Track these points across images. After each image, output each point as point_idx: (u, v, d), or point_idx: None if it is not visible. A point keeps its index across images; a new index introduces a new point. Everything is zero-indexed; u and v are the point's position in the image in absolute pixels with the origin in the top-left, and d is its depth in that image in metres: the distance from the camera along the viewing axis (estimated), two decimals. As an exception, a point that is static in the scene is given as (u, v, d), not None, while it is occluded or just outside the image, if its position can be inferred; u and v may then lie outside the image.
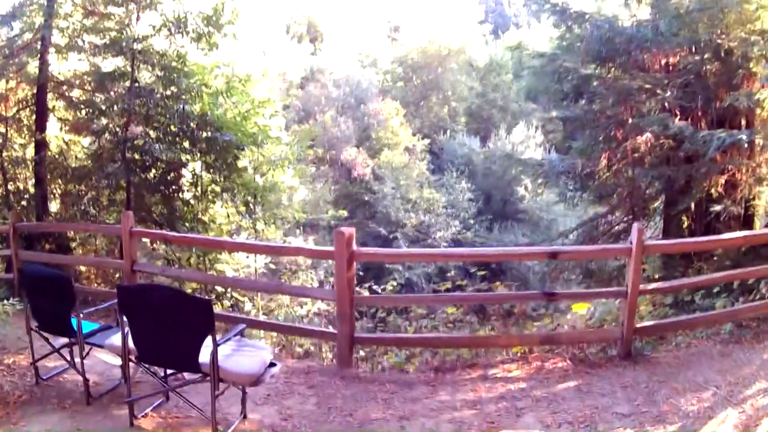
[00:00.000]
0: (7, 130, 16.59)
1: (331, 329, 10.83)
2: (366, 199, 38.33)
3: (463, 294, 11.41)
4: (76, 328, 7.08)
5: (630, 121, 13.07)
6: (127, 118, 15.46)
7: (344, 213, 24.94)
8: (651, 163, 13.40)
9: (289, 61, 46.99)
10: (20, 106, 16.62)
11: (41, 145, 15.89)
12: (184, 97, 15.43)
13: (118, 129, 15.63)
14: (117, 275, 14.60)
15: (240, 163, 16.62)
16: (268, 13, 45.33)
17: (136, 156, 15.68)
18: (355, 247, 8.59)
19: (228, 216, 17.69)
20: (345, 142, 40.62)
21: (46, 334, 7.56)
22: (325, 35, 53.70)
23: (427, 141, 43.52)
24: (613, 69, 13.83)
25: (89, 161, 16.54)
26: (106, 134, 15.71)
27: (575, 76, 14.11)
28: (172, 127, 15.52)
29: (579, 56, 13.84)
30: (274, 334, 12.07)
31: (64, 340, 7.51)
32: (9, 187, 16.68)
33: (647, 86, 12.89)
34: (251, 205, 17.21)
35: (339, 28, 52.48)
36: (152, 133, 15.85)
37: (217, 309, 15.00)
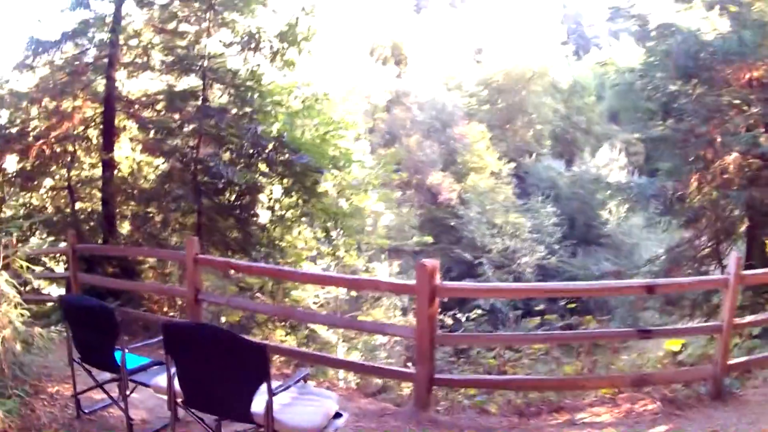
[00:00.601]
0: (75, 149, 15.91)
1: (410, 368, 10.22)
2: (451, 224, 37.59)
3: (552, 333, 10.04)
4: (120, 363, 6.32)
5: (719, 139, 12.29)
6: (197, 138, 14.60)
7: (429, 239, 23.71)
8: (739, 184, 12.41)
9: (374, 84, 46.19)
10: (87, 125, 15.75)
11: (108, 165, 15.21)
12: (257, 117, 14.54)
13: (188, 150, 14.77)
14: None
15: (320, 187, 15.53)
16: (351, 35, 44.89)
17: (206, 179, 14.57)
18: (438, 281, 7.60)
19: (306, 242, 16.62)
20: (430, 166, 40.06)
21: (88, 367, 6.77)
22: (409, 58, 52.84)
23: (512, 165, 42.49)
24: (697, 85, 12.95)
25: (158, 183, 15.63)
26: (176, 155, 14.84)
27: (663, 92, 13.41)
28: (247, 149, 14.55)
29: (666, 71, 13.13)
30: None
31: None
32: (76, 206, 16.01)
33: (735, 102, 12.30)
34: (331, 231, 16.13)
35: (423, 50, 51.65)
36: (225, 155, 14.80)
37: (289, 341, 13.99)
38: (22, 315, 7.32)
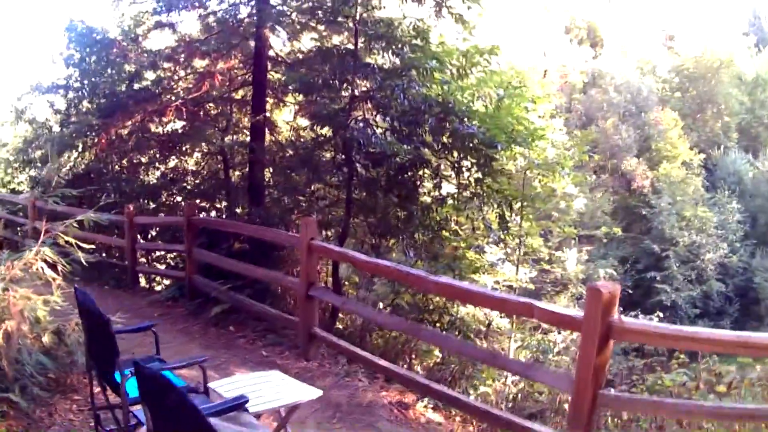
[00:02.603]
0: (231, 111, 14.76)
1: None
2: (643, 212, 35.28)
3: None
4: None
5: None
6: (349, 100, 11.51)
7: (618, 231, 20.26)
8: None
9: (571, 63, 44.53)
10: (238, 86, 14.63)
11: (258, 129, 13.32)
12: (417, 77, 11.23)
13: (339, 113, 11.53)
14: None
15: (498, 164, 12.10)
16: (547, 13, 44.40)
17: (359, 147, 11.23)
18: (617, 315, 5.13)
19: (473, 228, 13.07)
20: (626, 151, 37.86)
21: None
22: (605, 40, 50.13)
23: (702, 156, 39.43)
24: None
25: (307, 150, 12.93)
26: (325, 116, 11.73)
27: None
28: (408, 115, 11.24)
29: None
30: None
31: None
32: (230, 174, 14.78)
33: None
34: (506, 216, 12.43)
35: (618, 33, 49.05)
36: (381, 122, 11.73)
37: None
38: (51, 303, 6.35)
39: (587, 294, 5.16)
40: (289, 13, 12.79)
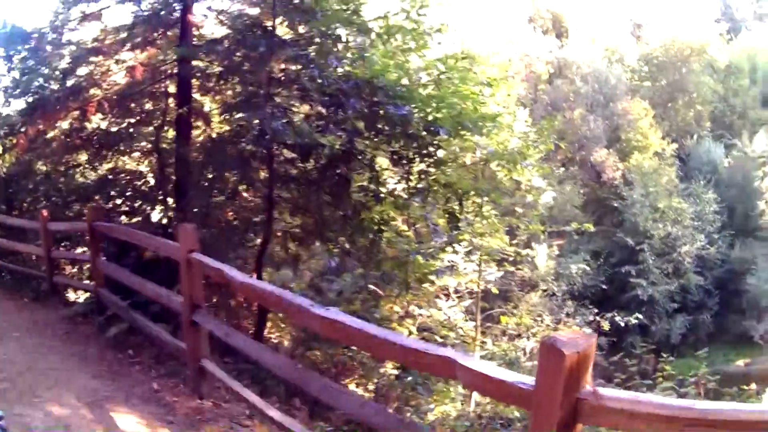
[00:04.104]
0: (166, 106, 13.18)
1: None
2: (614, 205, 34.99)
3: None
4: None
5: None
6: (267, 83, 9.87)
7: (590, 227, 19.13)
8: None
9: (535, 52, 43.85)
10: (162, 78, 13.05)
11: (184, 123, 11.99)
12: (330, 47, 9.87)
13: (256, 99, 10.00)
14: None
15: (449, 155, 10.98)
16: (510, 2, 43.58)
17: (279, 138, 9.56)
18: (588, 387, 3.13)
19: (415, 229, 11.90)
20: (595, 142, 37.41)
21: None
22: (570, 30, 49.17)
23: (674, 146, 38.85)
24: None
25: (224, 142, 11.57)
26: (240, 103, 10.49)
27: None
28: (334, 99, 9.59)
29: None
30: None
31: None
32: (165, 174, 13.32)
33: None
34: (457, 213, 10.96)
35: (584, 23, 48.06)
36: (302, 107, 10.31)
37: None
38: None
39: (541, 354, 3.23)
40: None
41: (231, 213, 11.54)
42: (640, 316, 19.21)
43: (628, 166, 35.75)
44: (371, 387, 10.33)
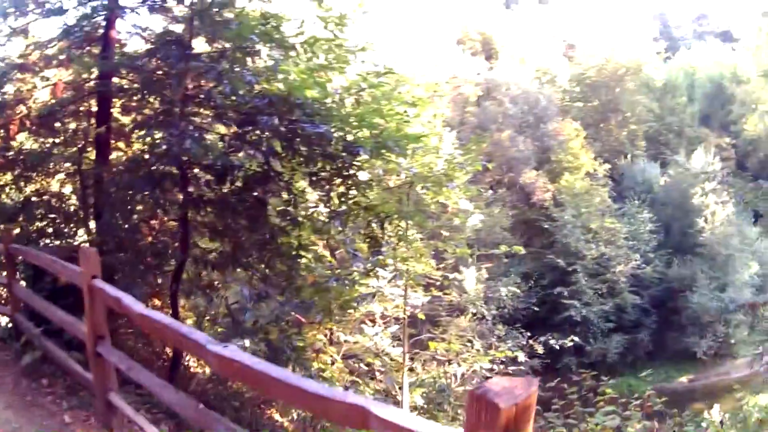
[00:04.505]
0: (89, 125, 12.30)
1: None
2: (545, 226, 35.00)
3: None
4: None
5: None
6: (182, 100, 9.30)
7: (520, 249, 18.96)
8: None
9: (464, 74, 43.61)
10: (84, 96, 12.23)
11: (103, 143, 11.12)
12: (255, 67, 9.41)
13: (169, 116, 9.46)
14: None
15: (373, 177, 10.67)
16: (437, 23, 44.13)
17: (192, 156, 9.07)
18: None
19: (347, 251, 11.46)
20: (523, 163, 37.64)
21: None
22: (500, 52, 49.47)
23: (607, 166, 39.38)
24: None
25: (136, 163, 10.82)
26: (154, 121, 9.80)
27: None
28: (250, 116, 9.19)
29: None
30: None
31: None
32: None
33: None
34: (378, 237, 10.79)
35: (514, 44, 48.54)
36: (218, 127, 9.81)
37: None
38: None
39: (469, 407, 2.50)
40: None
41: (149, 236, 11.01)
42: (576, 338, 19.00)
43: (559, 188, 35.73)
44: (294, 416, 10.02)
